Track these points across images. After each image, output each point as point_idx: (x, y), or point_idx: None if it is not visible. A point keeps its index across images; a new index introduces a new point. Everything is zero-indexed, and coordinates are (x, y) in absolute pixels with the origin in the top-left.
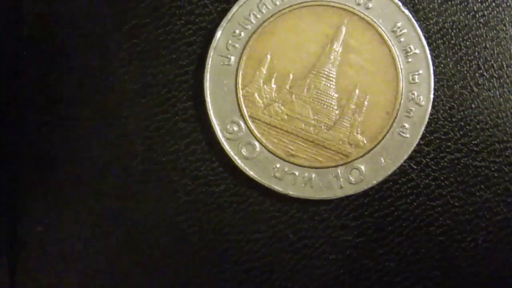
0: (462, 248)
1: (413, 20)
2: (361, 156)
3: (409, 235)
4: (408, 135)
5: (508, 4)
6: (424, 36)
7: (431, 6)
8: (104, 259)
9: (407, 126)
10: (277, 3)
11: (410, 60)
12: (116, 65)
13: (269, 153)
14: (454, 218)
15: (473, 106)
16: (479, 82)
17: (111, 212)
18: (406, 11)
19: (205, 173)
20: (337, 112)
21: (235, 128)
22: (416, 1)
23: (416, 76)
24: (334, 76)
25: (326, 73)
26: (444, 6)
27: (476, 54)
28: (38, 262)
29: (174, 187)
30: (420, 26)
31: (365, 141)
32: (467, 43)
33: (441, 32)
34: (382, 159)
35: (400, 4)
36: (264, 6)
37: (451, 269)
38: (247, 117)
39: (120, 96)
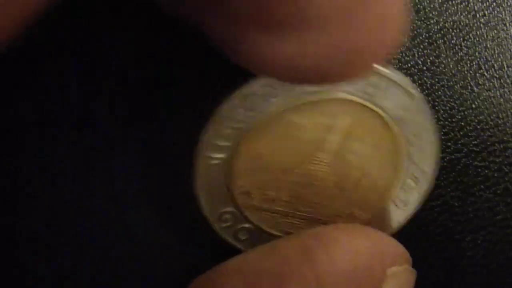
0: (461, 248)
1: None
2: None
3: (409, 235)
4: (403, 207)
5: (509, 3)
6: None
7: (431, 6)
8: None
9: (403, 198)
10: (273, 100)
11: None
12: None
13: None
14: (453, 218)
15: (473, 106)
16: (480, 82)
17: None
18: None
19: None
20: (333, 192)
21: (228, 216)
22: (417, 0)
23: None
24: (330, 163)
25: (323, 160)
26: (445, 5)
27: (477, 54)
28: None
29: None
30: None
31: (362, 214)
32: (468, 43)
33: (442, 32)
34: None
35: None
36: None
37: (450, 269)
38: (241, 206)
39: None
